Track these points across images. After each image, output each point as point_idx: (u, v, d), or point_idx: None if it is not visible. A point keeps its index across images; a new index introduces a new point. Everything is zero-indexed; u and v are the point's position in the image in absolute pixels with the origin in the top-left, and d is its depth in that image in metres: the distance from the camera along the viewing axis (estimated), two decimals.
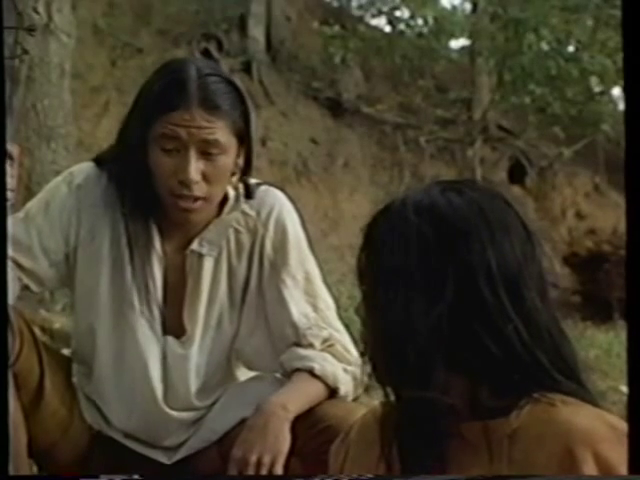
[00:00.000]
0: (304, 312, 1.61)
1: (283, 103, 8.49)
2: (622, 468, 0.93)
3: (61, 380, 1.63)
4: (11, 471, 1.22)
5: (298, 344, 1.60)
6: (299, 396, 1.54)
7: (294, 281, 1.63)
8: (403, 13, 9.21)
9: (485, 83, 9.02)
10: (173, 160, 1.51)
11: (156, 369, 1.60)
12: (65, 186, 1.60)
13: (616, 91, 9.59)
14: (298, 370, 1.57)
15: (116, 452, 1.64)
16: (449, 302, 0.98)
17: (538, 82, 8.48)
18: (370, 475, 1.05)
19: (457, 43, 9.75)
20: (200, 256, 1.59)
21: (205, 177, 1.52)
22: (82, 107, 6.75)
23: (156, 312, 1.59)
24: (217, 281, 1.61)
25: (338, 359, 1.59)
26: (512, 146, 9.26)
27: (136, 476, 1.24)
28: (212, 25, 8.67)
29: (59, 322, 4.03)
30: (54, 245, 1.58)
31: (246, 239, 1.62)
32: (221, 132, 1.53)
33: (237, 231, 1.62)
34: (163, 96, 1.52)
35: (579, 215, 9.14)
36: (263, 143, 8.15)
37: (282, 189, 1.75)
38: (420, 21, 8.90)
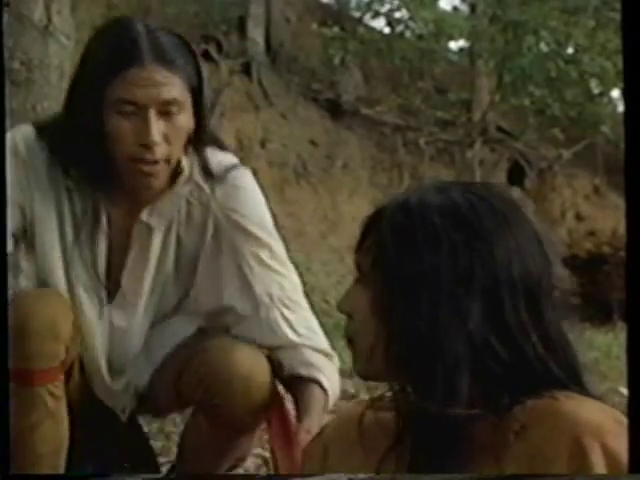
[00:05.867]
0: (267, 291, 1.58)
1: (282, 104, 8.49)
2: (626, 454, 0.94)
3: None
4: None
5: (267, 326, 1.57)
6: (318, 418, 1.52)
7: (257, 259, 1.59)
8: (402, 15, 9.21)
9: (484, 85, 9.03)
10: (132, 123, 1.44)
11: (100, 340, 1.58)
12: (13, 158, 1.52)
13: (615, 93, 9.60)
14: (302, 378, 1.55)
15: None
16: (477, 311, 0.98)
17: (537, 84, 8.48)
18: (374, 475, 1.04)
19: (456, 45, 9.76)
20: (149, 227, 1.55)
21: (166, 138, 1.45)
22: None
23: (101, 282, 1.56)
24: (165, 253, 1.57)
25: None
26: (511, 148, 9.26)
27: (144, 475, 1.23)
28: (211, 26, 8.68)
29: None
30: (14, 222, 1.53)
31: (198, 212, 1.57)
32: (178, 89, 1.45)
33: (189, 202, 1.56)
34: (114, 55, 1.44)
35: (579, 217, 9.15)
36: (262, 144, 8.16)
37: (246, 167, 1.63)
38: (419, 23, 8.90)
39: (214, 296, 1.60)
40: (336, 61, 8.71)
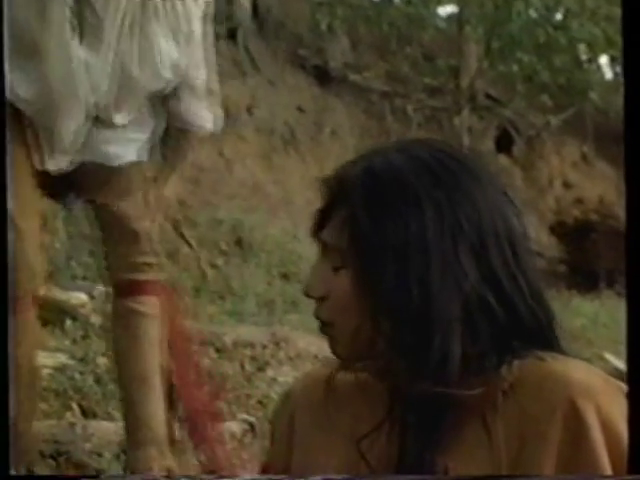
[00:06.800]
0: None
1: (269, 71, 8.42)
2: (622, 421, 0.94)
3: None
4: None
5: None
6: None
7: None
8: None
9: (473, 51, 8.97)
10: None
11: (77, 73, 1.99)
12: None
13: (604, 60, 9.56)
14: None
15: None
16: (470, 269, 0.95)
17: (526, 50, 8.43)
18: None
19: (445, 10, 9.68)
20: None
21: None
22: None
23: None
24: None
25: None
26: (500, 115, 9.22)
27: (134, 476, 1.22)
28: None
29: (44, 289, 4.02)
30: None
31: None
32: None
33: None
34: None
35: (566, 184, 9.14)
36: (249, 111, 8.10)
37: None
38: None
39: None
40: (323, 27, 8.63)
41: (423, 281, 0.95)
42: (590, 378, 0.95)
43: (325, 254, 1.01)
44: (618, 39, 8.66)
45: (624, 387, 0.97)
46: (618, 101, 9.71)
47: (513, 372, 0.96)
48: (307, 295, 1.02)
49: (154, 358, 2.27)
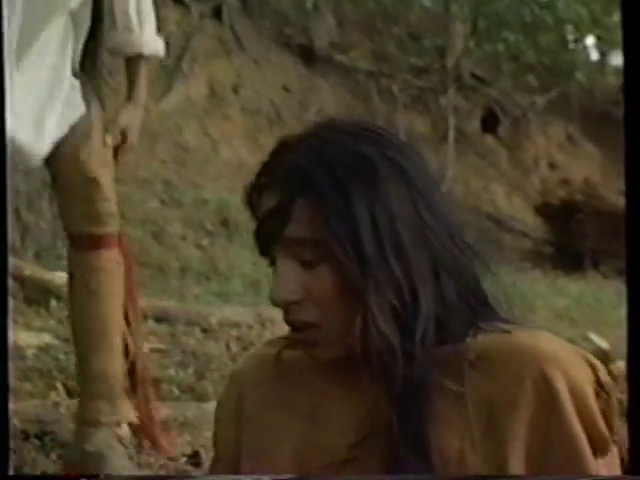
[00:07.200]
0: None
1: (255, 50, 8.38)
2: (587, 385, 0.96)
3: None
4: None
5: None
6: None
7: None
8: None
9: (459, 30, 8.95)
10: None
11: None
12: None
13: (590, 40, 9.55)
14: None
15: None
16: (439, 247, 0.96)
17: (512, 29, 8.42)
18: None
19: None
20: None
21: None
22: None
23: None
24: None
25: None
26: (485, 95, 9.22)
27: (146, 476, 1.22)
28: None
29: (29, 269, 4.00)
30: None
31: None
32: None
33: None
34: None
35: (552, 165, 9.15)
36: (235, 91, 8.06)
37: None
38: None
39: None
40: (309, 5, 8.59)
41: (407, 268, 0.95)
42: (555, 347, 0.97)
43: (289, 253, 0.96)
44: (604, 19, 8.65)
45: (588, 355, 0.98)
46: (604, 81, 9.72)
47: (478, 344, 0.97)
48: (278, 303, 0.97)
49: (113, 313, 2.25)
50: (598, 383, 0.97)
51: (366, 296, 0.94)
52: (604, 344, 4.23)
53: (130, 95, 2.37)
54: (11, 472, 1.20)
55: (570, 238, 7.66)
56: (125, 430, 2.34)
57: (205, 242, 5.83)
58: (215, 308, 4.21)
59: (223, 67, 8.03)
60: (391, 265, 0.94)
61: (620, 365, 3.32)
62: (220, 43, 8.15)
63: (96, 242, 2.22)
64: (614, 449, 0.98)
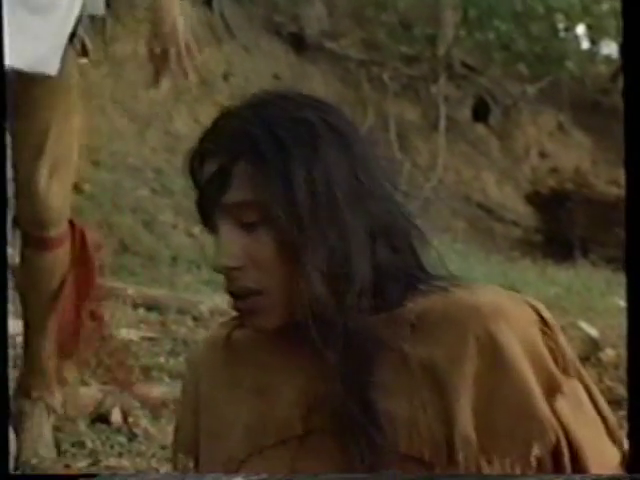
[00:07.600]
0: None
1: (245, 37, 8.35)
2: (533, 328, 0.96)
3: None
4: None
5: None
6: None
7: None
8: None
9: (450, 19, 8.93)
10: None
11: None
12: None
13: (580, 29, 9.55)
14: None
15: None
16: (374, 209, 0.98)
17: (503, 18, 8.41)
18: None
19: None
20: None
21: None
22: None
23: None
24: None
25: None
26: (476, 84, 9.22)
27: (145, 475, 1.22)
28: None
29: None
30: None
31: None
32: None
33: None
34: None
35: (542, 154, 9.17)
36: (225, 78, 8.04)
37: None
38: None
39: None
40: None
41: (342, 231, 0.95)
42: (496, 299, 0.97)
43: (230, 218, 0.96)
44: (595, 8, 8.65)
45: (527, 298, 0.99)
46: (594, 70, 9.73)
47: (418, 305, 0.97)
48: (220, 270, 0.96)
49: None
50: (542, 322, 0.97)
51: (303, 260, 0.94)
52: (594, 332, 4.25)
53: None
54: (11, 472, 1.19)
55: (560, 227, 7.68)
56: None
57: (196, 230, 5.82)
58: (206, 296, 4.21)
59: (213, 54, 8.00)
60: (325, 228, 0.94)
61: (609, 353, 3.34)
62: (210, 30, 8.12)
63: (48, 244, 2.10)
64: (575, 383, 0.98)
